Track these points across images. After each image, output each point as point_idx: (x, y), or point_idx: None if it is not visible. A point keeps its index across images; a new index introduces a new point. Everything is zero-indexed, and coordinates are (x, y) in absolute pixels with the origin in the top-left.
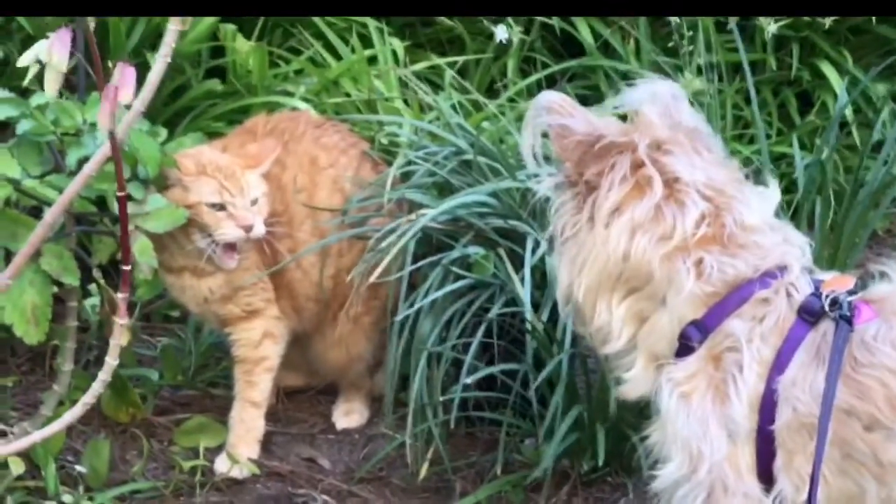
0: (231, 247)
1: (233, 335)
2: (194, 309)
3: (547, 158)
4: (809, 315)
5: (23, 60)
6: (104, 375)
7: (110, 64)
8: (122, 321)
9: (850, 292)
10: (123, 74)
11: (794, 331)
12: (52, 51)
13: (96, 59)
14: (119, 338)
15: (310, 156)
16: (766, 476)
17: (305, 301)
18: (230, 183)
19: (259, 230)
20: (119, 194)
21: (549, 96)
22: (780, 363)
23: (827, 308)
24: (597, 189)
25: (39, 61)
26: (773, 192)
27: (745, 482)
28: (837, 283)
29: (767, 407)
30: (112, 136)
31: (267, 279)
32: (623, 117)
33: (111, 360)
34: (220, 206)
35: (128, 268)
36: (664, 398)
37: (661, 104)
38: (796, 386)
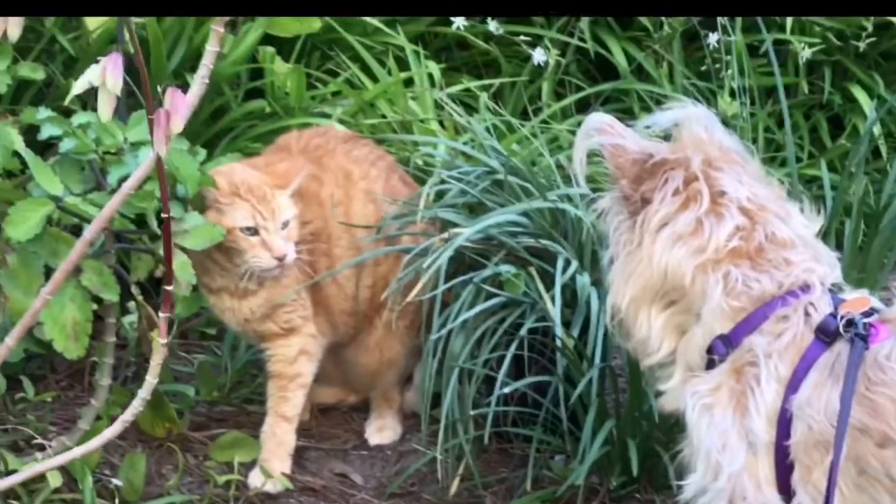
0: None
1: (269, 351)
2: (235, 327)
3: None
4: (825, 335)
5: (77, 86)
6: (144, 394)
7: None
8: (162, 340)
9: (868, 312)
10: (174, 100)
11: (811, 350)
12: (105, 74)
13: (145, 81)
14: (160, 357)
15: (343, 170)
16: (785, 489)
17: (341, 315)
18: (262, 206)
19: (291, 258)
20: (164, 216)
21: (599, 117)
22: (794, 382)
23: (842, 328)
24: (650, 204)
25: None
26: (815, 216)
27: (763, 493)
28: (856, 303)
29: (783, 423)
30: (159, 160)
31: (306, 296)
32: (665, 138)
33: (151, 379)
34: (254, 231)
35: (170, 288)
36: (688, 410)
37: (701, 125)
38: (811, 405)
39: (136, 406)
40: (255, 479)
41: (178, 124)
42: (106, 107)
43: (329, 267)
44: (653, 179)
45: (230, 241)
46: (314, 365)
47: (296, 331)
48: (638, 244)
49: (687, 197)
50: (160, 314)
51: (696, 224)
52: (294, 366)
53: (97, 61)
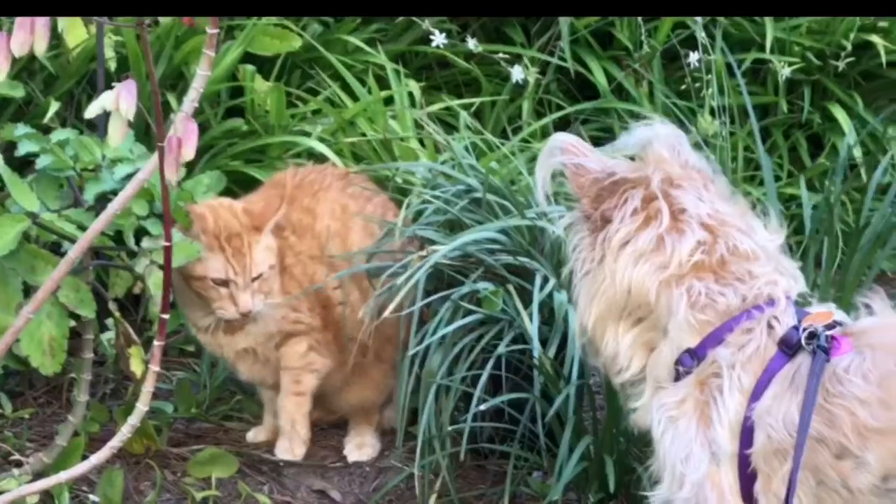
0: None
1: (281, 354)
2: (233, 358)
3: (556, 196)
4: (788, 347)
5: (90, 111)
6: (134, 420)
7: None
8: (155, 367)
9: (831, 325)
10: (186, 128)
11: (773, 361)
12: (118, 99)
13: (158, 108)
14: (151, 384)
15: (340, 204)
16: (750, 498)
17: (348, 341)
18: (236, 260)
19: (257, 310)
20: (165, 244)
21: (562, 137)
22: (757, 393)
23: (804, 341)
24: (610, 223)
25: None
26: (780, 229)
27: (727, 503)
28: (819, 316)
29: (746, 432)
30: (165, 187)
31: (315, 316)
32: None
33: (142, 406)
34: (224, 283)
35: (166, 316)
36: (654, 423)
37: (667, 144)
38: (770, 414)
39: (124, 433)
40: (281, 451)
41: (189, 152)
42: (118, 132)
43: (338, 283)
44: (612, 198)
45: (199, 286)
46: (324, 361)
47: (302, 333)
48: (599, 262)
49: (647, 215)
50: (155, 342)
51: (658, 241)
52: (305, 358)
53: (77, 79)
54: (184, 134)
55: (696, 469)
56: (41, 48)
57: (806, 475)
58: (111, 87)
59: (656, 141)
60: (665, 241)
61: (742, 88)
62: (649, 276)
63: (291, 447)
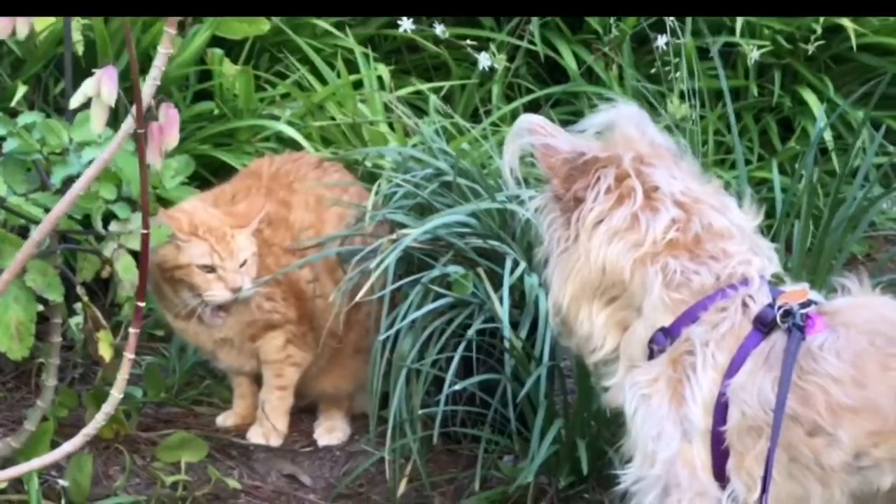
0: (219, 306)
1: (260, 347)
2: (211, 347)
3: (525, 180)
4: (763, 324)
5: (74, 100)
6: (108, 408)
7: None
8: (130, 355)
9: (806, 304)
10: (168, 115)
11: (748, 339)
12: (100, 86)
13: (137, 93)
14: (125, 372)
15: (315, 195)
16: (722, 475)
17: (327, 337)
18: (221, 246)
19: (246, 290)
20: (143, 231)
21: (530, 118)
22: (732, 370)
23: (779, 319)
24: (583, 202)
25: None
26: (755, 211)
27: (699, 480)
28: (794, 295)
29: (720, 409)
30: (144, 171)
31: (290, 307)
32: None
33: (116, 394)
34: (210, 269)
35: (142, 304)
36: (627, 401)
37: (633, 123)
38: (745, 390)
39: (99, 420)
40: (255, 436)
41: (172, 140)
42: (99, 119)
43: (313, 276)
44: (584, 178)
45: (184, 276)
46: (303, 354)
47: (278, 326)
48: (573, 242)
49: (620, 194)
50: (130, 330)
51: (632, 219)
52: (284, 350)
53: (44, 62)
54: (166, 120)
55: (667, 446)
56: (23, 31)
57: (779, 452)
58: (82, 72)
59: (623, 121)
60: (639, 219)
61: (719, 71)
62: (624, 255)
63: (266, 435)
